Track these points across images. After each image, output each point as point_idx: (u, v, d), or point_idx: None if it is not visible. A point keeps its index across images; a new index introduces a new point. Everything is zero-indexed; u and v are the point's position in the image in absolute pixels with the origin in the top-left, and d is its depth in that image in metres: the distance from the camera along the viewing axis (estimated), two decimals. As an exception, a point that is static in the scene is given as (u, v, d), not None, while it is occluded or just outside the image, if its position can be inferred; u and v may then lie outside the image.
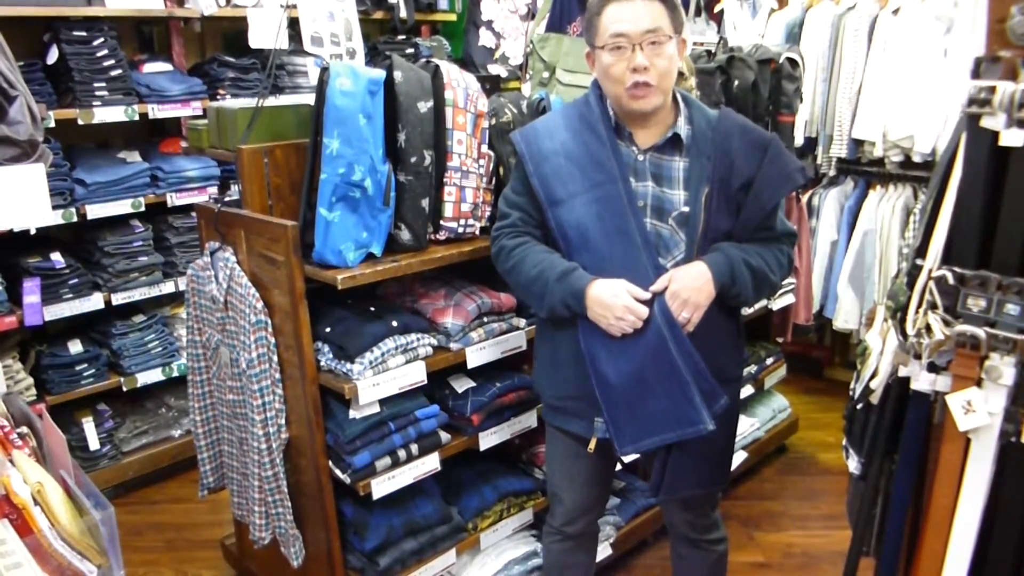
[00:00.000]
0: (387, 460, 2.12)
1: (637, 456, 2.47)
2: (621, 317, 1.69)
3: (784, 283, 3.11)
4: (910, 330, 1.33)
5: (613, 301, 1.69)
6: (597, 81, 1.81)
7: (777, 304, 3.12)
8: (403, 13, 4.19)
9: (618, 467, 2.11)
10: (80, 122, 3.05)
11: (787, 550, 2.85)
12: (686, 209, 1.76)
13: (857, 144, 3.73)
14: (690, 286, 1.71)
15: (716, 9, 4.09)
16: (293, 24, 2.48)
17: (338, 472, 2.11)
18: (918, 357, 1.32)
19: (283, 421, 2.14)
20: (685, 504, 1.99)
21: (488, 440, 2.31)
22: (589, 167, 1.77)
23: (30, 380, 3.00)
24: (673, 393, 1.72)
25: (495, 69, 4.46)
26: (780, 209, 1.85)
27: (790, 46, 3.04)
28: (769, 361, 3.27)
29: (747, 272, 1.76)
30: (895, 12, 3.56)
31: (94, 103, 3.08)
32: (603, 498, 2.11)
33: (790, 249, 1.88)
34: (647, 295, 1.71)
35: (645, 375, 1.73)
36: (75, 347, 3.15)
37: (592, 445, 1.87)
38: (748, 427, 3.21)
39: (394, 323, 2.11)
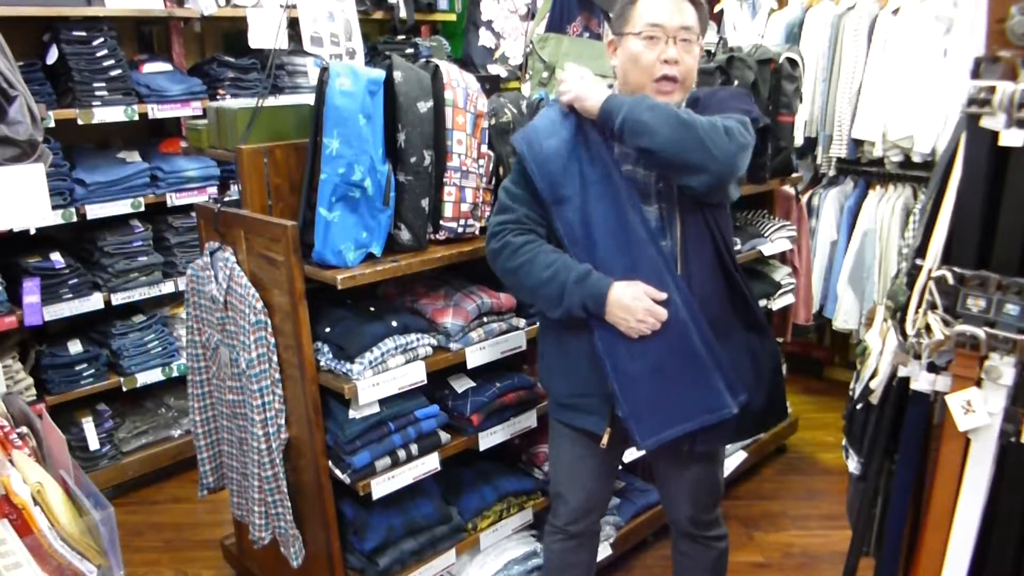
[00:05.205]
0: (387, 460, 2.12)
1: (637, 456, 2.48)
2: (642, 320, 1.72)
3: (783, 281, 3.11)
4: (910, 330, 1.33)
5: (634, 304, 1.72)
6: None
7: (777, 304, 3.12)
8: (403, 13, 4.19)
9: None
10: (80, 122, 3.04)
11: (787, 550, 2.85)
12: (661, 185, 1.80)
13: (857, 144, 3.73)
14: (581, 86, 1.78)
15: (716, 9, 4.09)
16: (293, 24, 2.48)
17: (338, 472, 2.11)
18: (918, 357, 1.32)
19: (283, 421, 2.14)
20: (690, 500, 2.00)
21: (488, 440, 2.31)
22: (588, 163, 1.79)
23: (30, 380, 3.00)
24: (698, 380, 1.75)
25: (495, 69, 4.46)
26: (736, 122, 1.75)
27: (790, 46, 3.04)
28: (769, 361, 3.26)
29: (647, 111, 1.67)
30: (895, 12, 3.56)
31: (94, 103, 3.07)
32: (607, 497, 2.12)
33: (740, 124, 1.72)
34: (664, 296, 1.73)
35: (666, 366, 1.75)
36: (75, 347, 3.15)
37: (605, 440, 1.87)
38: (748, 427, 3.20)
39: (394, 323, 2.11)
